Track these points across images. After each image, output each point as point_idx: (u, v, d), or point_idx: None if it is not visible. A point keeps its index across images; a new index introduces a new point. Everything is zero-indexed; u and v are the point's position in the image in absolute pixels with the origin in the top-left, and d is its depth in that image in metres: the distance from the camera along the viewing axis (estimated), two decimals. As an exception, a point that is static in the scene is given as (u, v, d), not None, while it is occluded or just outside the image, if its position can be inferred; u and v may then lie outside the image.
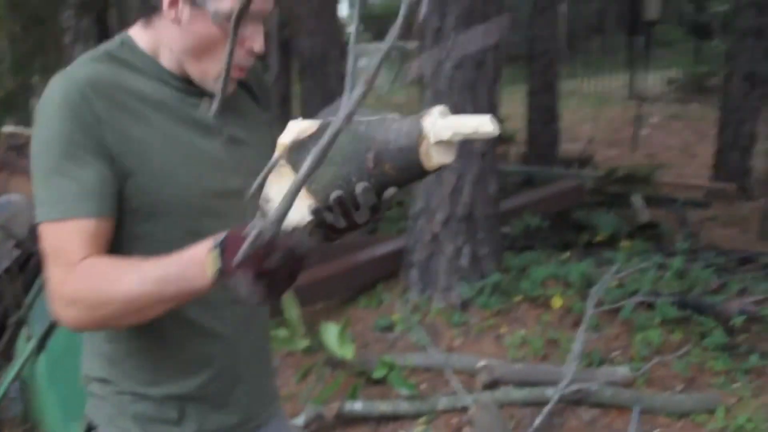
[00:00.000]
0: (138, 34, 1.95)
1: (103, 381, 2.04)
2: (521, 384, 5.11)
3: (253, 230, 1.44)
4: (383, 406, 4.92)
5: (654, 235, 7.85)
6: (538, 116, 10.69)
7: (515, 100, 13.42)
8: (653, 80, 17.26)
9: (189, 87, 1.95)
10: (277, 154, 1.69)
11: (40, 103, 1.85)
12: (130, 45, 1.94)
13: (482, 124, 1.56)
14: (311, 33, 7.11)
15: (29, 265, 5.37)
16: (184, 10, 1.86)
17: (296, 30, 7.52)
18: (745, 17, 9.96)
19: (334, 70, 7.37)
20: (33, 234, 5.50)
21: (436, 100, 6.39)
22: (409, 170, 1.59)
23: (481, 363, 5.21)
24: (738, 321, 5.51)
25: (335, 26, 7.49)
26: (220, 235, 1.59)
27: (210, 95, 1.95)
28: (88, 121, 1.80)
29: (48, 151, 1.81)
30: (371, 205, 1.60)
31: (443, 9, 6.32)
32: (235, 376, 2.09)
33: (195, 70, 1.92)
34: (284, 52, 9.53)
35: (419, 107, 12.20)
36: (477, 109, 6.32)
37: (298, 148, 1.67)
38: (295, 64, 8.84)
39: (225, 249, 1.56)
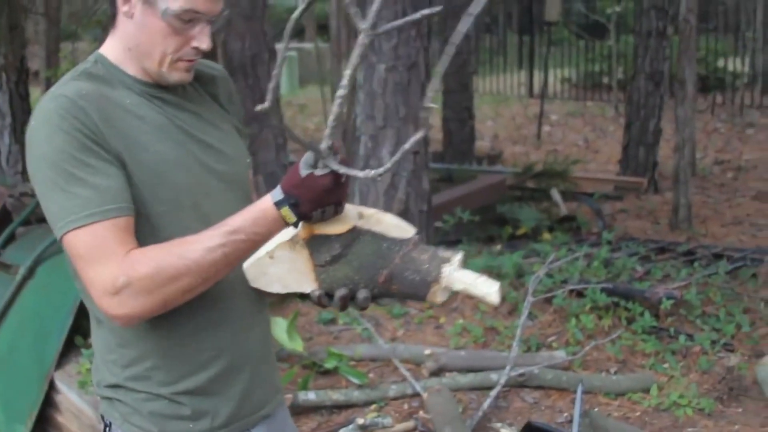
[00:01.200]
0: (107, 49, 2.10)
1: (116, 387, 2.13)
2: (466, 370, 5.34)
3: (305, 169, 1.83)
4: (336, 396, 5.08)
5: (572, 228, 8.16)
6: (454, 115, 10.95)
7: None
8: (549, 79, 17.69)
9: (152, 89, 2.08)
10: (303, 231, 1.92)
11: (34, 124, 1.95)
12: (102, 61, 2.09)
13: (490, 294, 1.89)
14: (241, 36, 7.23)
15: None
16: (137, 6, 2.00)
17: (227, 33, 7.63)
18: (648, 19, 10.36)
19: (264, 72, 7.50)
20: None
21: (369, 101, 6.59)
22: (411, 296, 1.91)
23: (427, 351, 5.41)
24: (667, 305, 5.82)
25: (265, 29, 7.62)
26: (277, 190, 1.87)
27: (170, 95, 2.10)
28: (89, 129, 1.92)
29: (56, 165, 1.90)
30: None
31: (376, 15, 6.52)
32: (245, 367, 2.18)
33: (150, 66, 2.05)
34: (213, 55, 9.61)
35: (322, 107, 12.34)
36: (410, 110, 6.55)
37: (323, 241, 1.91)
38: (226, 67, 8.97)
39: (295, 201, 1.86)
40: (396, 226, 1.95)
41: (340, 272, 1.93)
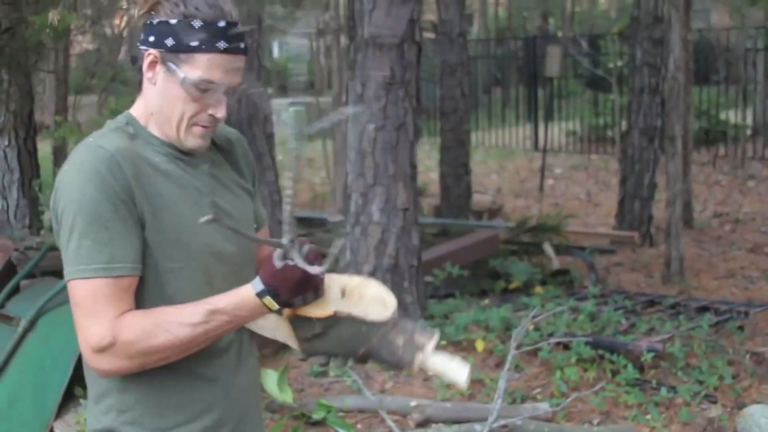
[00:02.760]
0: (135, 110, 2.24)
1: (111, 431, 2.24)
2: (452, 421, 5.48)
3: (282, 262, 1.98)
4: (324, 446, 5.23)
5: (565, 281, 8.30)
6: (451, 170, 11.11)
7: (422, 152, 13.86)
8: (554, 132, 17.84)
9: (174, 152, 2.22)
10: (286, 310, 2.08)
11: (69, 169, 2.10)
12: (131, 121, 2.23)
13: (459, 379, 2.09)
14: (238, 96, 7.41)
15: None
16: (160, 73, 2.15)
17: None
18: (641, 75, 10.56)
19: (260, 132, 7.70)
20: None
21: (360, 160, 6.79)
22: (388, 368, 2.14)
23: (413, 403, 5.56)
24: (647, 358, 5.96)
25: (261, 89, 7.82)
26: (257, 281, 2.02)
27: (190, 158, 2.25)
28: (119, 186, 2.06)
29: (81, 215, 2.04)
30: None
31: (365, 76, 6.75)
32: (232, 420, 2.31)
33: (168, 130, 2.19)
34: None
35: (330, 161, 12.53)
36: (398, 168, 6.74)
37: (305, 321, 2.07)
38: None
39: (274, 291, 2.01)
40: (378, 301, 2.08)
41: (321, 347, 2.09)
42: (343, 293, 2.10)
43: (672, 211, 8.69)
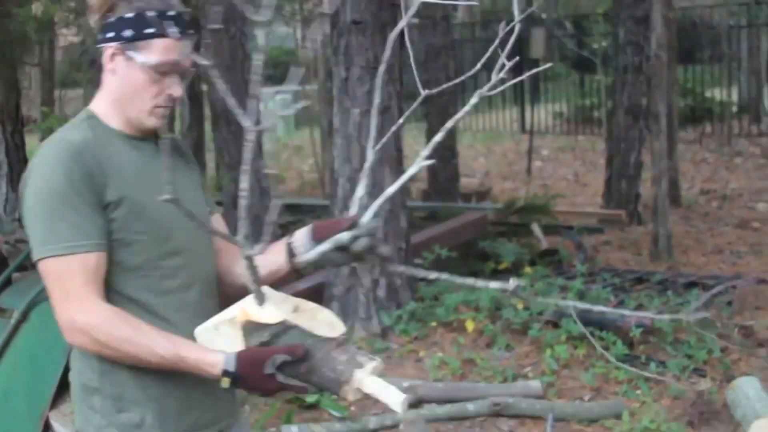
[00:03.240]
0: (95, 105, 2.45)
1: (95, 390, 2.38)
2: (444, 401, 5.53)
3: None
4: (318, 429, 5.25)
5: (554, 261, 8.34)
6: (438, 154, 11.11)
7: (410, 137, 13.89)
8: (541, 114, 17.88)
9: (133, 140, 2.42)
10: (240, 314, 2.19)
11: (36, 161, 2.34)
12: (92, 116, 2.42)
13: (395, 404, 2.09)
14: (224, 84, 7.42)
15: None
16: (120, 63, 2.36)
17: (209, 81, 7.86)
18: (625, 54, 10.59)
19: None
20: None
21: (346, 145, 6.82)
22: (326, 389, 2.15)
23: (406, 383, 5.60)
24: (636, 333, 6.01)
25: (246, 78, 7.84)
26: (231, 360, 2.16)
27: (149, 145, 2.43)
28: (81, 174, 2.26)
29: (48, 200, 2.26)
30: None
31: (348, 61, 6.77)
32: (195, 378, 2.38)
33: (132, 113, 2.39)
34: (196, 104, 9.88)
35: (317, 149, 12.56)
36: (385, 152, 6.75)
37: (256, 327, 2.16)
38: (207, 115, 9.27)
39: (237, 378, 2.16)
40: (328, 324, 2.19)
41: None
42: (296, 309, 2.19)
43: (658, 189, 8.74)
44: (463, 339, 6.39)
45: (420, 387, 5.60)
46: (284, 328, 2.13)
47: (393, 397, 2.09)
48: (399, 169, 6.96)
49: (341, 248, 2.29)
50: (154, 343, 2.22)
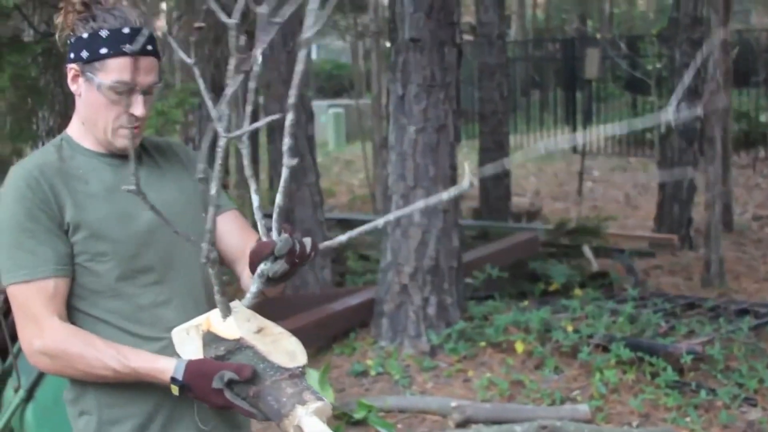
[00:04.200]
0: (70, 128, 2.47)
1: (81, 408, 2.42)
2: (491, 422, 5.53)
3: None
4: (365, 446, 5.30)
5: (604, 284, 8.30)
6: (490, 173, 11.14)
7: (461, 154, 13.87)
8: (593, 135, 17.79)
9: (105, 158, 2.43)
10: (204, 323, 2.18)
11: (3, 187, 2.37)
12: (65, 138, 2.45)
13: None
14: (279, 98, 7.48)
15: (11, 314, 5.66)
16: (82, 85, 2.36)
17: (266, 96, 7.92)
18: (681, 77, 10.52)
19: (301, 134, 7.77)
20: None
21: (401, 162, 6.85)
22: (269, 419, 2.08)
23: (454, 403, 5.61)
24: (687, 360, 5.97)
25: (303, 92, 7.90)
26: (180, 368, 2.18)
27: (120, 161, 2.43)
28: (37, 200, 2.30)
29: (7, 229, 2.31)
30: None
31: (405, 79, 6.80)
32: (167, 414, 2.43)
33: (98, 135, 2.39)
34: (254, 117, 9.93)
35: (368, 164, 12.59)
36: (439, 170, 6.79)
37: (214, 338, 2.16)
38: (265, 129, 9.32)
39: (185, 386, 2.16)
40: (288, 353, 2.12)
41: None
42: (260, 331, 2.16)
43: (711, 214, 8.68)
44: (512, 360, 6.38)
45: (468, 407, 5.61)
46: (240, 346, 2.11)
47: None
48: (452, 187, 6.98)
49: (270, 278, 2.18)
50: (105, 356, 2.25)
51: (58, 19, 2.41)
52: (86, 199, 2.35)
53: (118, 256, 2.36)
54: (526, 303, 7.34)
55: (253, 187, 2.12)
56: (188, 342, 2.21)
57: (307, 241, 2.17)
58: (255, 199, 2.13)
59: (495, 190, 11.15)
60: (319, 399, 2.04)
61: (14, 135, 5.06)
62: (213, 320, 2.16)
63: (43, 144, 6.43)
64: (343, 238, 2.18)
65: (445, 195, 2.18)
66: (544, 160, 18.14)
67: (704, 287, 8.59)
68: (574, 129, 18.93)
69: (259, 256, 2.12)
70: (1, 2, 4.09)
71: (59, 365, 2.30)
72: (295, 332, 2.25)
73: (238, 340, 2.11)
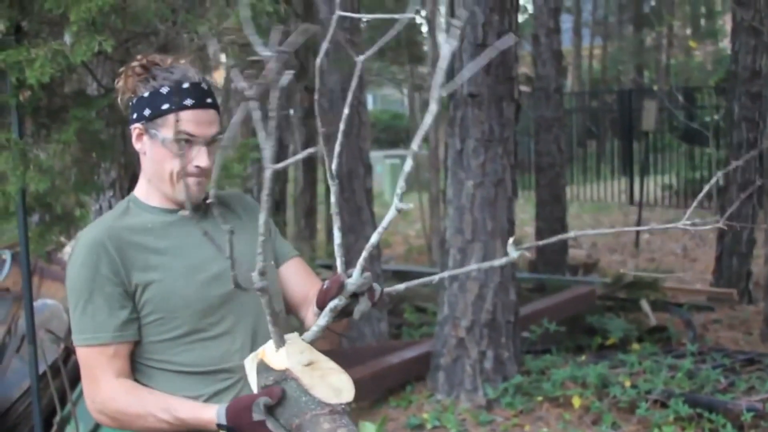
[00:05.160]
0: (137, 189, 2.58)
1: None
2: (549, 478, 5.52)
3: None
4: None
5: (662, 338, 8.25)
6: (547, 225, 11.13)
7: (517, 206, 13.86)
8: (650, 186, 17.71)
9: (171, 215, 2.51)
10: (261, 353, 2.23)
11: (73, 249, 2.48)
12: (133, 200, 2.57)
13: None
14: (339, 151, 7.56)
15: (70, 362, 5.76)
16: (147, 143, 2.47)
17: (327, 149, 8.00)
18: (739, 130, 10.49)
19: (360, 186, 7.85)
20: (71, 333, 5.91)
21: (458, 216, 6.89)
22: None
23: (511, 459, 5.61)
24: (747, 417, 5.92)
25: (362, 145, 7.99)
26: (221, 413, 2.25)
27: (180, 218, 2.51)
28: (103, 266, 2.39)
29: (76, 292, 2.42)
30: None
31: (464, 133, 6.86)
32: None
33: (163, 188, 2.49)
34: (310, 167, 10.09)
35: (425, 215, 12.62)
36: (496, 224, 6.81)
37: (267, 369, 2.20)
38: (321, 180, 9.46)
39: (231, 430, 2.22)
40: (333, 389, 2.17)
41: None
42: (309, 364, 2.20)
43: (771, 268, 8.61)
44: (569, 415, 6.36)
45: (525, 462, 5.60)
46: (285, 377, 2.15)
47: None
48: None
49: (343, 311, 2.26)
50: (158, 412, 2.34)
51: (119, 83, 2.52)
52: (155, 258, 2.44)
53: (189, 310, 2.44)
54: (583, 357, 7.32)
55: (336, 224, 2.22)
56: (252, 371, 2.26)
57: (376, 285, 2.27)
58: (337, 236, 2.24)
59: (552, 243, 11.14)
60: None
61: (78, 187, 5.16)
62: (267, 350, 2.22)
63: (104, 195, 6.58)
64: (401, 287, 2.26)
65: (497, 262, 2.25)
66: (600, 211, 18.09)
67: (764, 342, 8.50)
68: (631, 180, 18.87)
69: (331, 292, 2.21)
70: (69, 58, 4.19)
71: (116, 423, 2.40)
72: (351, 384, 2.28)
73: (284, 371, 2.15)
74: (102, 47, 4.14)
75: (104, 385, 2.39)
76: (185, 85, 2.43)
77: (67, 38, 4.24)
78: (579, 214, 17.81)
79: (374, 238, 2.18)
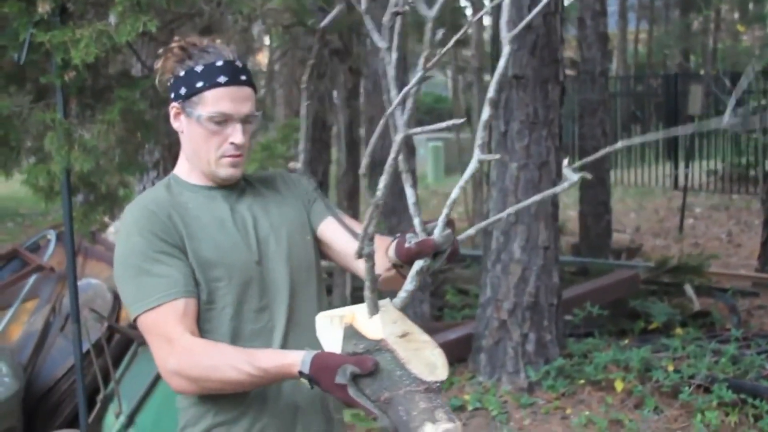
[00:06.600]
0: (177, 167, 2.62)
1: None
2: (590, 461, 5.50)
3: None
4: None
5: (706, 323, 8.19)
6: (591, 209, 11.04)
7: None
8: (695, 171, 17.56)
9: (211, 191, 2.56)
10: (348, 316, 2.15)
11: (120, 227, 2.51)
12: (173, 177, 2.61)
13: None
14: (382, 134, 7.56)
15: (113, 341, 5.82)
16: (184, 122, 2.51)
17: (368, 131, 8.01)
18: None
19: (404, 168, 7.85)
20: (114, 312, 5.96)
21: (502, 198, 6.86)
22: (395, 428, 2.02)
23: (552, 441, 5.60)
24: (792, 404, 5.87)
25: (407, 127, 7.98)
26: (306, 362, 2.17)
27: (227, 192, 2.57)
28: (158, 229, 2.42)
29: (132, 259, 2.42)
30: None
31: (508, 116, 6.83)
32: (294, 414, 2.53)
33: (203, 167, 2.53)
34: (353, 150, 10.06)
35: (468, 198, 12.59)
36: (540, 206, 6.78)
37: (354, 334, 2.12)
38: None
39: (315, 381, 2.15)
40: (428, 365, 2.06)
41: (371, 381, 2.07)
42: (404, 335, 2.10)
43: (818, 254, 8.52)
44: (611, 398, 6.34)
45: (566, 445, 5.59)
46: (380, 347, 2.06)
47: None
48: (553, 224, 6.99)
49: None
50: (238, 362, 2.27)
51: (158, 65, 2.55)
52: (199, 231, 2.48)
53: (233, 282, 2.46)
54: (626, 341, 7.28)
55: (408, 182, 2.24)
56: (329, 330, 2.19)
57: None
58: (410, 195, 2.25)
59: (595, 226, 11.06)
60: (451, 420, 1.97)
61: (123, 167, 5.19)
62: (358, 315, 2.13)
63: (148, 175, 6.62)
64: (471, 231, 2.28)
65: (558, 189, 2.21)
66: (644, 196, 17.97)
67: (810, 329, 8.42)
68: (676, 165, 18.72)
69: (421, 255, 2.19)
70: (114, 38, 4.22)
71: (195, 383, 2.34)
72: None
73: (378, 341, 2.06)
74: (146, 28, 4.17)
75: (179, 342, 2.34)
76: (219, 63, 2.46)
77: (112, 18, 4.26)
78: (623, 198, 17.70)
79: (455, 193, 2.20)
